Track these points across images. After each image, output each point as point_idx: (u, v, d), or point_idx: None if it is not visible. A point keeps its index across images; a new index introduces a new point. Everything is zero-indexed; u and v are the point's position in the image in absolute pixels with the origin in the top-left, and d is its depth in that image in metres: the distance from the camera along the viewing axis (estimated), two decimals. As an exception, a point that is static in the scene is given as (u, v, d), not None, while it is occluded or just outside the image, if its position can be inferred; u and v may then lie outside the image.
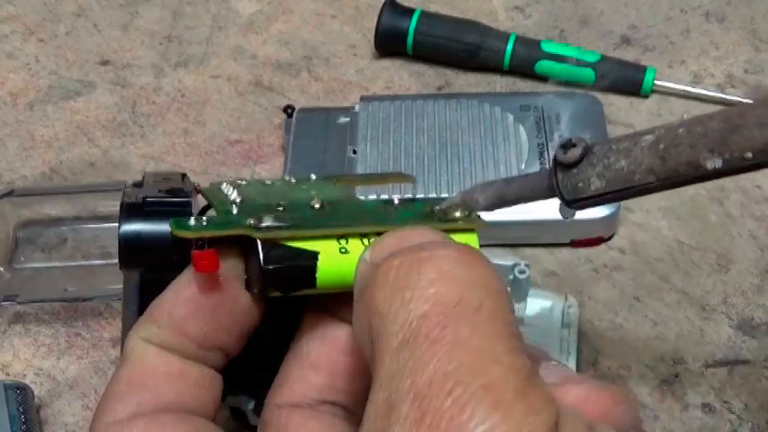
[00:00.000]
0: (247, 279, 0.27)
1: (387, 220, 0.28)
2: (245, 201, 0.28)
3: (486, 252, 0.33)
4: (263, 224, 0.26)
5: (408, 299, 0.22)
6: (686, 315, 0.46)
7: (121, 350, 0.28)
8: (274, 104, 0.58)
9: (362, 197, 0.34)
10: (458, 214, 0.28)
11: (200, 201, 0.30)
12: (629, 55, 0.59)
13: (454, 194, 0.29)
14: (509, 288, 0.44)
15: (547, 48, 0.58)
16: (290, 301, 0.27)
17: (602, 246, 0.49)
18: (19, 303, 0.46)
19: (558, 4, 0.64)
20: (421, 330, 0.21)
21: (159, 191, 0.29)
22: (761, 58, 0.59)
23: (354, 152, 0.51)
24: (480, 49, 0.58)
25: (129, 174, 0.54)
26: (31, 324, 0.47)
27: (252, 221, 0.26)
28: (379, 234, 0.26)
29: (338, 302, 0.27)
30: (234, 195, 0.29)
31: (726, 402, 0.42)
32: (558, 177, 0.26)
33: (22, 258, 0.48)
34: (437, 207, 0.29)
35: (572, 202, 0.27)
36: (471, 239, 0.28)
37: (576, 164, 0.26)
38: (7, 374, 0.45)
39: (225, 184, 0.30)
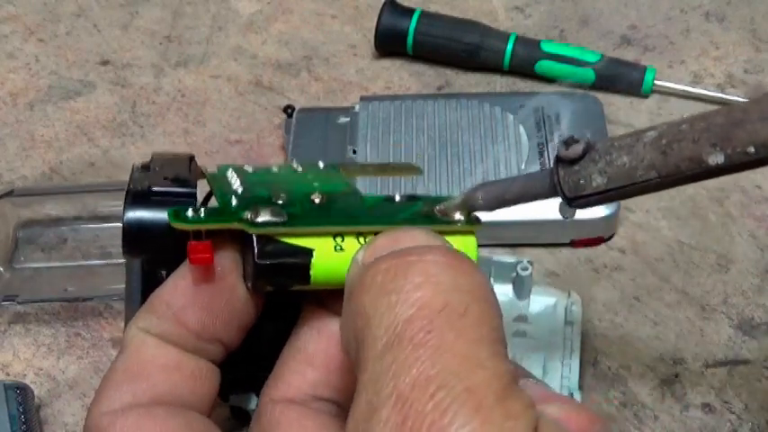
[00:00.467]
0: (244, 273, 0.27)
1: (385, 220, 0.28)
2: (247, 190, 0.28)
3: (488, 251, 0.33)
4: (260, 219, 0.26)
5: (394, 302, 0.22)
6: (686, 315, 0.46)
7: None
8: (274, 104, 0.58)
9: (366, 190, 0.33)
10: (457, 216, 0.28)
11: (205, 186, 0.31)
12: (629, 55, 0.59)
13: (456, 194, 0.29)
14: (512, 285, 0.44)
15: (547, 48, 0.58)
16: (288, 295, 0.27)
17: (603, 246, 0.49)
18: (19, 303, 0.46)
19: (557, 4, 0.64)
20: (405, 334, 0.21)
21: (165, 178, 0.29)
22: (761, 58, 0.59)
23: (354, 152, 0.51)
24: (480, 49, 0.58)
25: (128, 174, 0.54)
26: (31, 324, 0.47)
27: (249, 215, 0.26)
28: (376, 233, 0.26)
29: (335, 298, 0.27)
30: (237, 184, 0.29)
31: (726, 402, 0.42)
32: (560, 174, 0.26)
33: (22, 258, 0.48)
34: (437, 207, 0.29)
35: (573, 200, 0.26)
36: (469, 242, 0.28)
37: (577, 160, 0.26)
38: (7, 374, 0.45)
39: (230, 171, 0.30)
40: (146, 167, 0.31)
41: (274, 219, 0.26)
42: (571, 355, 0.43)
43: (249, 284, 0.27)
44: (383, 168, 0.36)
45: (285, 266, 0.26)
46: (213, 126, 0.57)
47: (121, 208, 0.29)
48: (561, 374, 0.42)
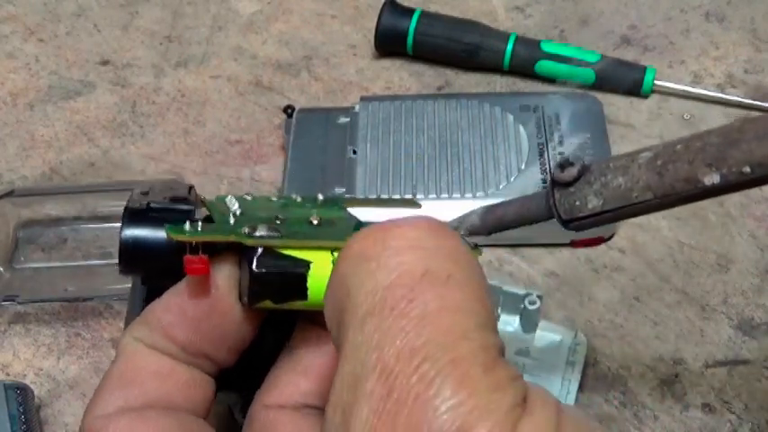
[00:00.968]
0: (240, 291, 0.27)
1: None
2: (245, 213, 0.28)
3: (498, 281, 0.32)
4: (257, 233, 0.26)
5: (373, 269, 0.21)
6: (686, 315, 0.46)
7: None
8: (274, 104, 0.58)
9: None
10: None
11: (204, 213, 0.31)
12: (629, 55, 0.59)
13: (451, 219, 0.29)
14: (519, 317, 0.44)
15: (547, 48, 0.58)
16: (285, 314, 0.27)
17: (603, 246, 0.49)
18: (19, 303, 0.46)
19: (558, 4, 0.64)
20: (387, 302, 0.21)
21: (164, 197, 0.30)
22: (761, 58, 0.59)
23: (354, 152, 0.51)
24: (480, 49, 0.58)
25: (129, 174, 0.54)
26: (31, 324, 0.47)
27: (246, 230, 0.27)
28: None
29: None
30: (235, 207, 0.29)
31: (726, 402, 0.42)
32: (556, 197, 0.26)
33: (22, 258, 0.48)
34: None
35: (569, 222, 0.26)
36: None
37: (572, 182, 0.26)
38: (7, 374, 0.45)
39: (230, 197, 0.30)
40: (145, 193, 0.31)
41: (271, 233, 0.27)
42: (566, 397, 0.42)
43: (245, 299, 0.27)
44: (383, 201, 0.36)
45: (281, 276, 0.26)
46: (213, 126, 0.57)
47: (121, 207, 0.29)
48: None
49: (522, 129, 0.51)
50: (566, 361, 0.43)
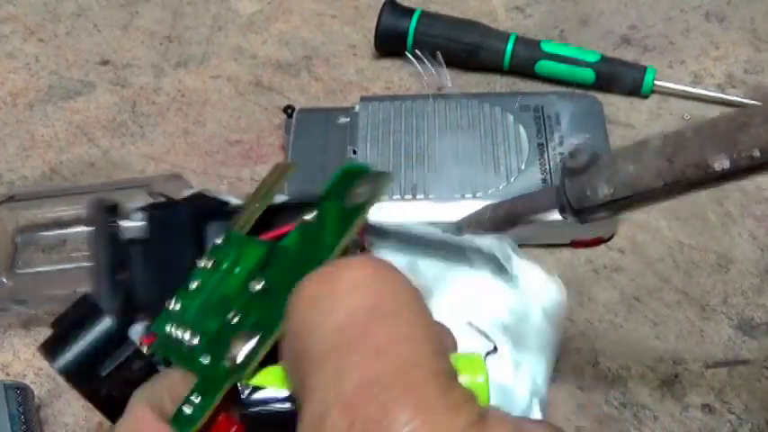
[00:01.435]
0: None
1: (323, 250, 0.27)
2: (202, 333, 0.27)
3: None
4: (240, 358, 0.25)
5: (325, 312, 0.22)
6: (686, 315, 0.46)
7: None
8: (274, 104, 0.58)
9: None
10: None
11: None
12: (629, 55, 0.59)
13: (463, 217, 0.29)
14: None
15: (547, 48, 0.58)
16: None
17: (603, 246, 0.49)
18: (30, 308, 0.46)
19: (558, 4, 0.64)
20: (341, 341, 0.22)
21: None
22: (761, 58, 0.59)
23: (354, 152, 0.51)
24: (480, 49, 0.58)
25: (128, 174, 0.54)
26: (31, 324, 0.47)
27: (228, 364, 0.25)
28: None
29: None
30: (187, 337, 0.28)
31: (726, 402, 0.42)
32: (566, 186, 0.26)
33: (20, 263, 0.48)
34: None
35: (580, 212, 0.26)
36: (478, 365, 0.25)
37: (583, 170, 0.26)
38: (7, 374, 0.45)
39: (178, 331, 0.29)
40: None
41: (252, 345, 0.25)
42: (544, 354, 0.39)
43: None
44: (270, 183, 0.34)
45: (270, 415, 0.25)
46: (213, 126, 0.57)
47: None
48: (531, 377, 0.38)
49: (522, 129, 0.51)
50: (542, 314, 0.40)
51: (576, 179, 0.26)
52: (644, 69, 0.57)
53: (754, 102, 0.56)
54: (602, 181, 0.26)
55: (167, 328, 0.29)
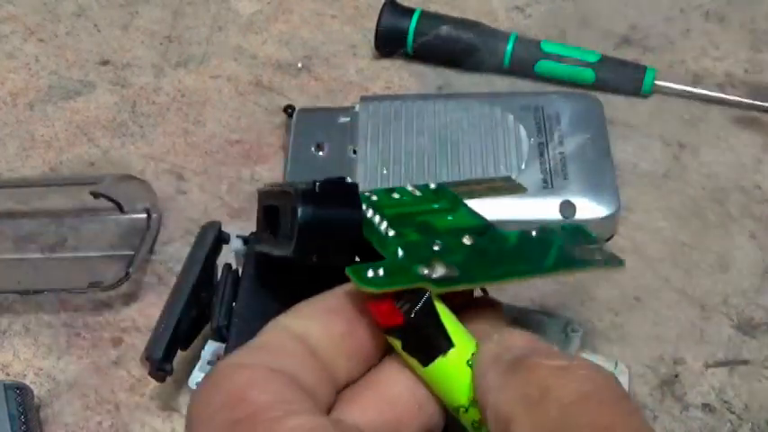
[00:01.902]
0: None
1: (535, 267, 0.28)
2: (399, 233, 0.28)
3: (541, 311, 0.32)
4: (436, 274, 0.26)
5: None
6: (686, 315, 0.46)
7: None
8: (274, 104, 0.58)
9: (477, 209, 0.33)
10: (597, 256, 0.29)
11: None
12: (629, 55, 0.59)
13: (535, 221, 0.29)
14: (558, 345, 0.43)
15: (547, 48, 0.58)
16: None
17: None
18: None
19: (558, 4, 0.64)
20: (594, 397, 0.23)
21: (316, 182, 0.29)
22: (761, 58, 0.59)
23: (354, 152, 0.51)
24: (480, 49, 0.58)
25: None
26: (31, 324, 0.47)
27: (426, 271, 0.26)
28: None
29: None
30: (384, 226, 0.28)
31: (726, 402, 0.42)
32: None
33: None
34: (579, 248, 0.29)
35: None
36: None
37: None
38: (7, 374, 0.45)
39: (377, 217, 0.29)
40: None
41: (450, 274, 0.26)
42: None
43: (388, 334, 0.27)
44: (483, 184, 0.35)
45: (426, 338, 0.26)
46: (213, 126, 0.57)
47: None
48: None
49: (522, 129, 0.51)
50: None
51: None
52: (644, 69, 0.57)
53: (755, 101, 0.56)
54: None
55: (364, 206, 0.29)
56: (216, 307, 0.38)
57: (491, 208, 0.44)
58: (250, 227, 0.34)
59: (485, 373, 0.25)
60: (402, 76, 0.60)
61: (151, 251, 0.49)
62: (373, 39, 0.60)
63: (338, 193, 0.29)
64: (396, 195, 0.31)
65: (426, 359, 0.26)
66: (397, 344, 0.26)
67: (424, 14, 0.59)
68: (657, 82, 0.57)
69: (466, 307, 0.28)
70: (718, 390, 0.43)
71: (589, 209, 0.48)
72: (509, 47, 0.58)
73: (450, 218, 0.30)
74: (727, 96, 0.56)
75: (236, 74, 0.60)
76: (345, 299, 0.27)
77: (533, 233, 0.29)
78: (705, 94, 0.56)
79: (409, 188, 0.32)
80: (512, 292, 0.44)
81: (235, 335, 0.34)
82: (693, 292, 0.47)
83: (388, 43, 0.60)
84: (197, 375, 0.40)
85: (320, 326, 0.27)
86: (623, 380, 0.43)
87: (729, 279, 0.47)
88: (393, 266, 0.27)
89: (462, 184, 0.33)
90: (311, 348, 0.27)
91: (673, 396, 0.43)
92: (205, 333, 0.41)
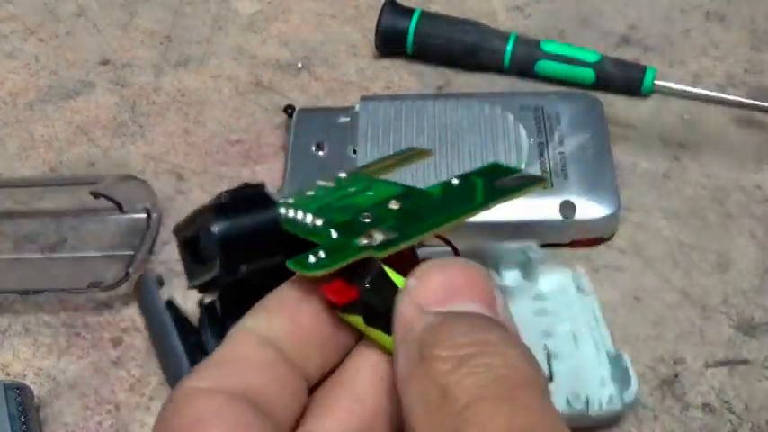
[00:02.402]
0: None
1: (465, 208, 0.28)
2: (326, 220, 0.28)
3: (497, 239, 0.32)
4: (376, 242, 0.26)
5: (475, 372, 0.22)
6: (686, 315, 0.46)
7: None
8: (274, 104, 0.58)
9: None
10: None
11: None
12: (629, 55, 0.59)
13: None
14: (520, 269, 0.46)
15: (547, 48, 0.58)
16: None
17: (602, 246, 0.49)
18: None
19: (558, 4, 0.64)
20: (489, 393, 0.22)
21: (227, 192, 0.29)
22: (761, 58, 0.59)
23: (354, 152, 0.51)
24: (480, 49, 0.58)
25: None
26: (31, 324, 0.47)
27: (365, 241, 0.26)
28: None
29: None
30: (310, 219, 0.28)
31: (726, 402, 0.42)
32: None
33: None
34: (498, 182, 0.29)
35: None
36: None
37: None
38: (7, 374, 0.45)
39: (299, 213, 0.29)
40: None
41: (388, 237, 0.26)
42: (597, 322, 0.44)
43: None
44: (395, 160, 0.36)
45: (387, 302, 0.26)
46: (213, 126, 0.57)
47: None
48: (593, 340, 0.43)
49: (522, 129, 0.51)
50: (576, 292, 0.45)
51: None
52: (644, 69, 0.57)
53: (754, 102, 0.56)
54: None
55: (283, 210, 0.29)
56: (208, 343, 0.37)
57: (493, 208, 0.44)
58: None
59: (396, 352, 0.24)
60: (402, 76, 0.60)
61: (151, 251, 0.49)
62: (373, 39, 0.60)
63: (247, 198, 0.28)
64: (310, 193, 0.31)
65: (391, 325, 0.26)
66: (360, 321, 0.26)
67: (424, 14, 0.59)
68: (657, 82, 0.57)
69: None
70: (718, 390, 0.43)
71: (589, 209, 0.48)
72: (509, 47, 0.58)
73: (370, 194, 0.30)
74: (727, 96, 0.56)
75: (236, 74, 0.60)
76: (306, 288, 0.27)
77: (454, 181, 0.29)
78: (705, 94, 0.56)
79: (321, 183, 0.32)
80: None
81: None
82: (693, 292, 0.47)
83: (388, 43, 0.60)
84: None
85: (287, 321, 0.26)
86: (583, 281, 0.45)
87: (729, 279, 0.47)
88: (332, 246, 0.26)
89: (372, 165, 0.34)
90: (279, 349, 0.26)
91: (673, 396, 0.43)
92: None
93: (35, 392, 0.43)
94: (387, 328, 0.25)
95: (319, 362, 0.27)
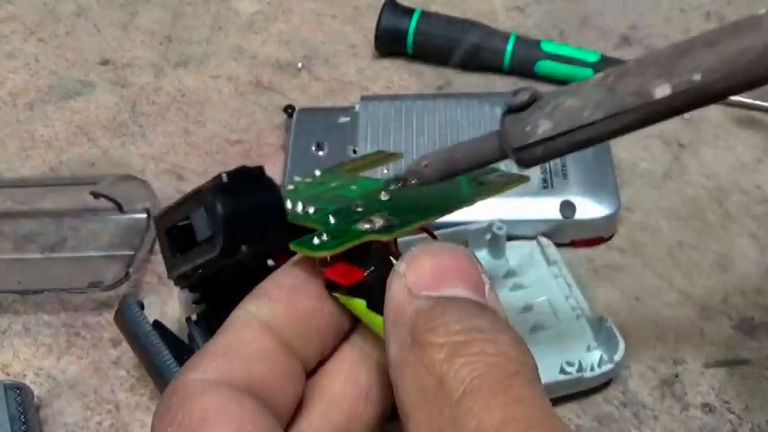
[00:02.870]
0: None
1: (455, 202, 0.29)
2: (318, 209, 0.28)
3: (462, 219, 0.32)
4: (377, 226, 0.26)
5: (470, 362, 0.22)
6: (686, 315, 0.46)
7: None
8: (274, 104, 0.58)
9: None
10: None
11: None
12: (629, 55, 0.59)
13: (401, 171, 0.29)
14: (487, 247, 0.47)
15: (547, 48, 0.58)
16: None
17: (602, 246, 0.49)
18: None
19: (558, 4, 0.64)
20: (484, 384, 0.22)
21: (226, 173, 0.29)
22: (761, 58, 0.59)
23: (354, 152, 0.51)
24: (480, 49, 0.58)
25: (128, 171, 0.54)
26: (31, 324, 0.47)
27: (366, 226, 0.26)
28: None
29: (370, 339, 0.27)
30: (300, 208, 0.28)
31: (726, 402, 0.42)
32: (507, 126, 0.25)
33: None
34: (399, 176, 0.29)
35: (519, 150, 0.25)
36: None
37: (525, 107, 0.25)
38: (7, 374, 0.45)
39: (288, 202, 0.29)
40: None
41: (388, 222, 0.26)
42: (570, 288, 0.45)
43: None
44: (369, 160, 0.36)
45: (382, 282, 0.26)
46: (213, 126, 0.57)
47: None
48: (572, 308, 0.44)
49: (522, 129, 0.51)
50: (547, 263, 0.47)
51: (516, 117, 0.25)
52: (644, 69, 0.57)
53: (755, 101, 0.56)
54: (543, 116, 0.24)
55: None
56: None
57: (492, 208, 0.44)
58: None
59: (387, 335, 0.24)
60: (402, 76, 0.60)
61: (151, 251, 0.49)
62: (373, 39, 0.60)
63: (248, 178, 0.28)
64: (291, 187, 0.31)
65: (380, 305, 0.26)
66: (361, 305, 0.26)
67: (424, 14, 0.59)
68: (657, 82, 0.56)
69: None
70: (718, 390, 0.43)
71: (589, 209, 0.48)
72: (509, 47, 0.58)
73: (353, 188, 0.30)
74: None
75: (236, 74, 0.60)
76: (305, 274, 0.27)
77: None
78: (705, 94, 0.56)
79: (297, 179, 0.32)
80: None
81: None
82: (693, 292, 0.47)
83: (388, 43, 0.60)
84: None
85: (288, 307, 0.26)
86: (550, 251, 0.47)
87: (729, 279, 0.47)
88: (334, 230, 0.27)
89: (344, 164, 0.34)
90: (281, 336, 0.26)
91: (673, 396, 0.43)
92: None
93: (35, 392, 0.42)
94: None
95: (318, 349, 0.27)
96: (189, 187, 0.53)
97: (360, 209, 0.28)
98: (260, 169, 0.29)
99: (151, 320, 0.41)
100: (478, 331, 0.23)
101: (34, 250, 0.49)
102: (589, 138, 0.24)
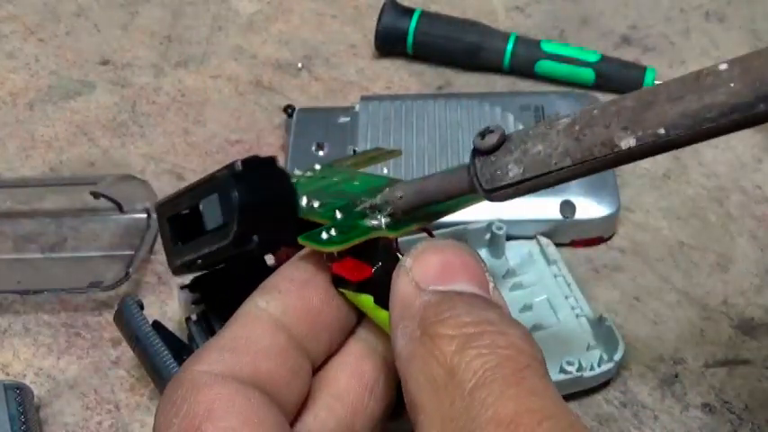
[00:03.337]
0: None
1: (460, 200, 0.29)
2: (322, 203, 0.28)
3: (461, 216, 0.33)
4: (384, 222, 0.26)
5: (482, 354, 0.22)
6: (686, 315, 0.46)
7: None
8: (274, 104, 0.58)
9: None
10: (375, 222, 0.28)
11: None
12: (629, 55, 0.59)
13: (376, 197, 0.29)
14: (487, 247, 0.47)
15: (547, 48, 0.58)
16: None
17: (602, 246, 0.49)
18: None
19: (558, 4, 0.64)
20: (497, 376, 0.22)
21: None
22: (761, 58, 0.59)
23: (354, 152, 0.51)
24: (480, 49, 0.58)
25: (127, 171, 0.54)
26: (30, 324, 0.47)
27: (373, 222, 0.26)
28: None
29: (375, 334, 0.27)
30: (305, 201, 0.28)
31: (726, 402, 0.42)
32: (477, 166, 0.26)
33: None
34: (369, 202, 0.29)
35: (491, 192, 0.26)
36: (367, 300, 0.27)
37: (493, 150, 0.25)
38: (7, 374, 0.45)
39: (303, 198, 0.29)
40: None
41: (393, 219, 0.27)
42: (570, 287, 0.45)
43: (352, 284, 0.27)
44: (369, 157, 0.36)
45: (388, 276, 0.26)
46: (213, 126, 0.57)
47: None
48: (571, 308, 0.44)
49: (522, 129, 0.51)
50: (546, 263, 0.47)
51: (486, 159, 0.26)
52: (644, 69, 0.57)
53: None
54: (512, 161, 0.25)
55: None
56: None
57: (492, 208, 0.44)
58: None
59: (394, 329, 0.24)
60: (402, 76, 0.60)
61: (151, 251, 0.49)
62: (373, 39, 0.60)
63: (262, 168, 0.28)
64: (293, 180, 0.31)
65: (385, 300, 0.26)
66: (368, 301, 0.26)
67: (424, 14, 0.59)
68: (657, 82, 0.57)
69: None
70: (718, 390, 0.43)
71: (589, 209, 0.48)
72: (509, 47, 0.58)
73: (356, 183, 0.30)
74: (727, 96, 0.56)
75: (236, 74, 0.60)
76: (313, 268, 0.27)
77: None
78: (705, 94, 0.56)
79: (298, 172, 0.32)
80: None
81: None
82: (693, 292, 0.47)
83: (388, 43, 0.60)
84: None
85: (298, 300, 0.26)
86: (549, 250, 0.47)
87: (729, 279, 0.47)
88: (341, 226, 0.27)
89: (343, 160, 0.34)
90: (290, 332, 0.26)
91: (673, 396, 0.43)
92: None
93: (35, 392, 0.42)
94: None
95: (326, 345, 0.27)
96: (189, 187, 0.53)
97: (364, 205, 0.28)
98: (272, 159, 0.29)
99: (151, 320, 0.41)
100: (489, 323, 0.23)
101: (34, 250, 0.49)
102: (558, 179, 0.25)
